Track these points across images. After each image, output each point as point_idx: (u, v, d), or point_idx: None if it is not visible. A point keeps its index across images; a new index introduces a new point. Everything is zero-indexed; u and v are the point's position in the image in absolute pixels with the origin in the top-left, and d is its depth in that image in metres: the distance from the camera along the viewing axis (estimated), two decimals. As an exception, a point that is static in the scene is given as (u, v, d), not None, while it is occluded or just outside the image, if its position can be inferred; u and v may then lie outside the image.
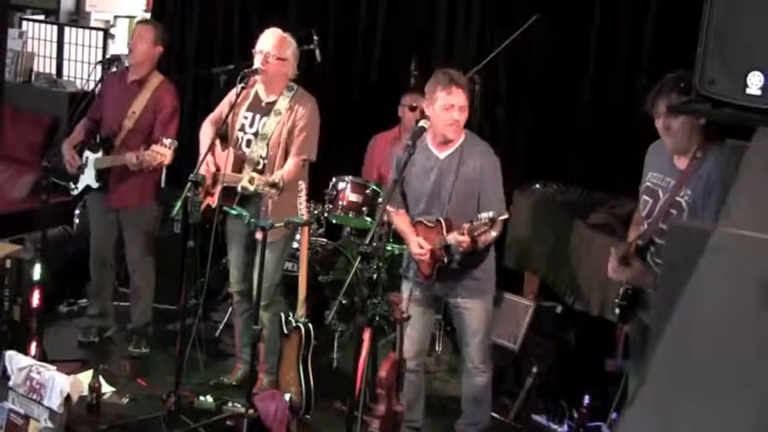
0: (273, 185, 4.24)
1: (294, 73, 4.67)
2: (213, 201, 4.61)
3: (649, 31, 5.42)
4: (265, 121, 4.59)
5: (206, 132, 4.73)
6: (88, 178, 5.12)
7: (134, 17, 7.28)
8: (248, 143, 4.63)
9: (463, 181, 4.13)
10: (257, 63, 4.55)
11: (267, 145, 4.56)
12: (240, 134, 4.66)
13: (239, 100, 4.61)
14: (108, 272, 5.43)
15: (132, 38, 5.10)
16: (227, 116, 4.60)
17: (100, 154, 5.07)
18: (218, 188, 4.57)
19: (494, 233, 4.04)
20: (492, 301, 4.41)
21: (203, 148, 4.67)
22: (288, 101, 4.59)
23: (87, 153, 5.12)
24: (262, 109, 4.64)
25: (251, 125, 4.64)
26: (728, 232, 1.07)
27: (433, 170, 4.18)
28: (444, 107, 4.06)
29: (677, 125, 3.57)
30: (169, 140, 4.71)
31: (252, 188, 4.29)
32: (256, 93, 4.69)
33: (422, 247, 4.16)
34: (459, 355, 4.54)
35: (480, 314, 4.29)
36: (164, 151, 4.69)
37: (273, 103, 4.62)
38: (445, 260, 4.15)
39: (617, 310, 3.85)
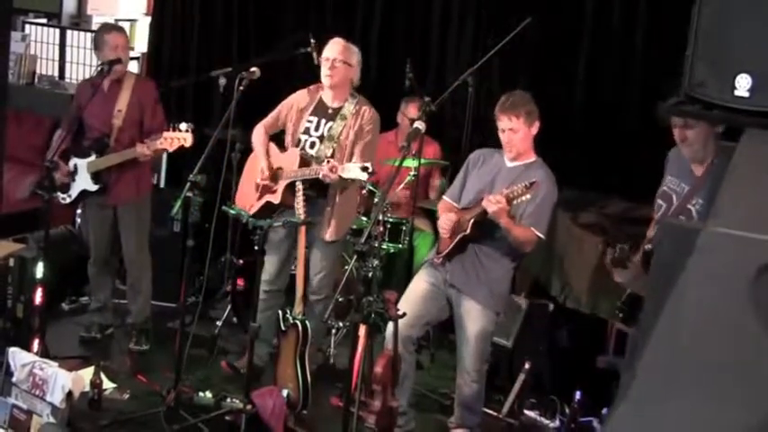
0: (365, 169, 4.32)
1: (358, 80, 4.80)
2: (276, 197, 4.72)
3: (640, 34, 5.43)
4: (332, 125, 4.70)
5: (258, 136, 4.88)
6: (83, 183, 5.09)
7: (135, 20, 7.26)
8: (312, 145, 4.72)
9: None
10: (324, 70, 4.68)
11: (334, 147, 4.65)
12: (305, 137, 4.75)
13: (303, 106, 4.78)
14: (109, 269, 5.43)
15: (111, 46, 5.06)
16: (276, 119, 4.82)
17: (92, 158, 5.05)
18: (282, 184, 4.69)
19: (518, 232, 4.08)
20: (494, 319, 4.32)
21: (257, 149, 4.86)
22: (353, 106, 4.72)
23: (75, 160, 5.10)
24: (327, 114, 4.74)
25: (316, 128, 4.74)
26: (717, 231, 1.06)
27: (494, 172, 4.31)
28: (500, 130, 4.27)
29: (693, 135, 3.61)
30: (185, 125, 4.75)
31: (333, 176, 4.38)
32: (320, 98, 4.79)
33: (449, 220, 4.26)
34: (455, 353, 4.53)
35: (477, 324, 4.25)
36: (182, 135, 4.74)
37: (339, 108, 4.72)
38: (467, 231, 4.18)
39: (620, 314, 3.86)
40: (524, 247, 4.22)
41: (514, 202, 4.01)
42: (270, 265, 4.88)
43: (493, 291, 4.26)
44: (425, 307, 4.35)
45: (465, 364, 4.33)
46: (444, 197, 4.54)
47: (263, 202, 4.79)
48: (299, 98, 4.84)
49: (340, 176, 4.38)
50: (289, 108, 4.84)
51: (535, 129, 4.27)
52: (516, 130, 4.21)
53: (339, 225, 4.71)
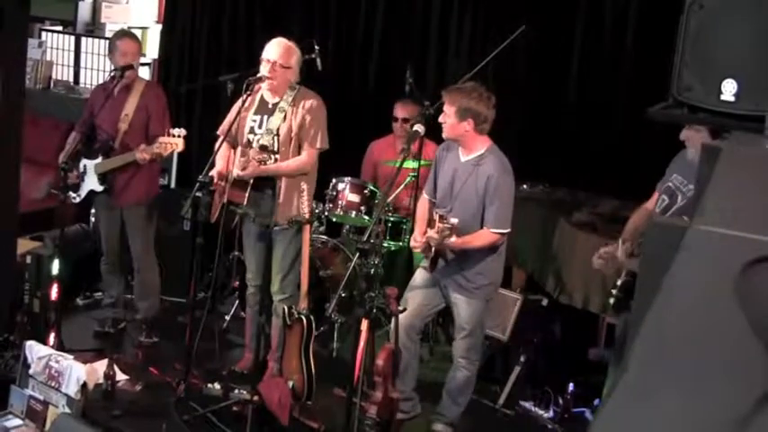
0: (263, 149, 4.29)
1: (297, 78, 4.67)
2: (224, 197, 4.63)
3: (630, 40, 5.43)
4: (271, 119, 4.60)
5: (218, 142, 4.73)
6: (91, 184, 5.09)
7: (147, 27, 7.26)
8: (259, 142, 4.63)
9: (471, 188, 4.10)
10: (263, 71, 4.54)
11: (274, 137, 4.53)
12: (251, 136, 4.65)
13: (246, 106, 4.60)
14: (120, 266, 5.43)
15: (122, 52, 5.05)
16: (232, 123, 4.59)
17: (99, 160, 5.05)
18: (228, 184, 4.60)
19: (477, 243, 4.01)
20: (483, 305, 4.27)
21: (216, 155, 4.66)
22: (291, 98, 4.60)
23: (84, 161, 5.10)
24: (268, 110, 4.64)
25: (260, 126, 4.64)
26: (702, 230, 1.06)
27: (452, 170, 4.21)
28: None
29: (697, 137, 3.51)
30: (178, 130, 4.73)
31: (241, 172, 4.34)
32: (262, 97, 4.68)
33: (416, 240, 4.20)
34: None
35: (465, 313, 4.23)
36: (175, 141, 4.72)
37: (278, 103, 4.62)
38: (439, 254, 4.15)
39: (612, 300, 3.79)
40: (494, 246, 4.14)
41: (445, 241, 3.92)
42: (249, 263, 4.86)
43: (471, 282, 4.20)
44: (427, 296, 4.32)
45: (455, 350, 4.34)
46: (424, 194, 4.45)
47: (220, 203, 4.65)
48: (241, 102, 4.62)
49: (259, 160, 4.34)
50: (235, 112, 4.64)
51: (468, 126, 4.06)
52: (448, 116, 4.08)
53: (282, 211, 4.53)
